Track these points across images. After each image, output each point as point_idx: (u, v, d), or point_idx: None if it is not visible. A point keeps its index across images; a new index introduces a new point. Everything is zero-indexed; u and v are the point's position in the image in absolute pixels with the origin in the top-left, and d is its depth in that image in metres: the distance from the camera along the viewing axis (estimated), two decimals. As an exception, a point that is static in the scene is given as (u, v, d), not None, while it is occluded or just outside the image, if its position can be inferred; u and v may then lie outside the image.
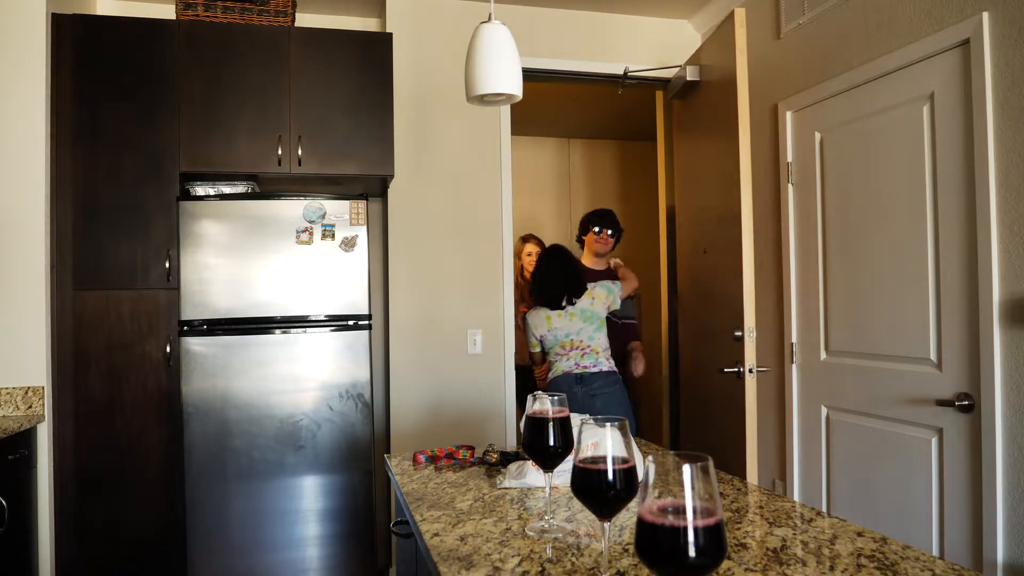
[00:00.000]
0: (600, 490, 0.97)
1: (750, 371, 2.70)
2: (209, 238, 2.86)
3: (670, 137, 3.92)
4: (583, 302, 3.13)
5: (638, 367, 3.44)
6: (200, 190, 3.00)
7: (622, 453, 0.97)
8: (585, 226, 3.57)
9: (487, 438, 3.36)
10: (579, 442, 0.99)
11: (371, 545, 2.98)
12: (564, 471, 1.45)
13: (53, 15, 2.80)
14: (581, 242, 3.60)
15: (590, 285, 3.17)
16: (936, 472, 2.33)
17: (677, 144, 3.70)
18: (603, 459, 0.97)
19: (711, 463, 0.74)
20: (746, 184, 2.76)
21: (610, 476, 0.96)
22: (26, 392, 2.70)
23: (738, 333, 2.76)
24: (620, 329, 3.52)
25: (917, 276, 2.41)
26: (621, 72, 3.63)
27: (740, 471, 2.71)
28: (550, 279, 3.16)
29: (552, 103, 4.95)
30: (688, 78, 3.26)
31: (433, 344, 3.39)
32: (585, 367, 3.08)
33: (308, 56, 3.03)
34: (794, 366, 3.04)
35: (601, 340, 3.14)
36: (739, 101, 2.75)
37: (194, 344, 2.82)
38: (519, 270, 4.27)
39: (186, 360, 2.82)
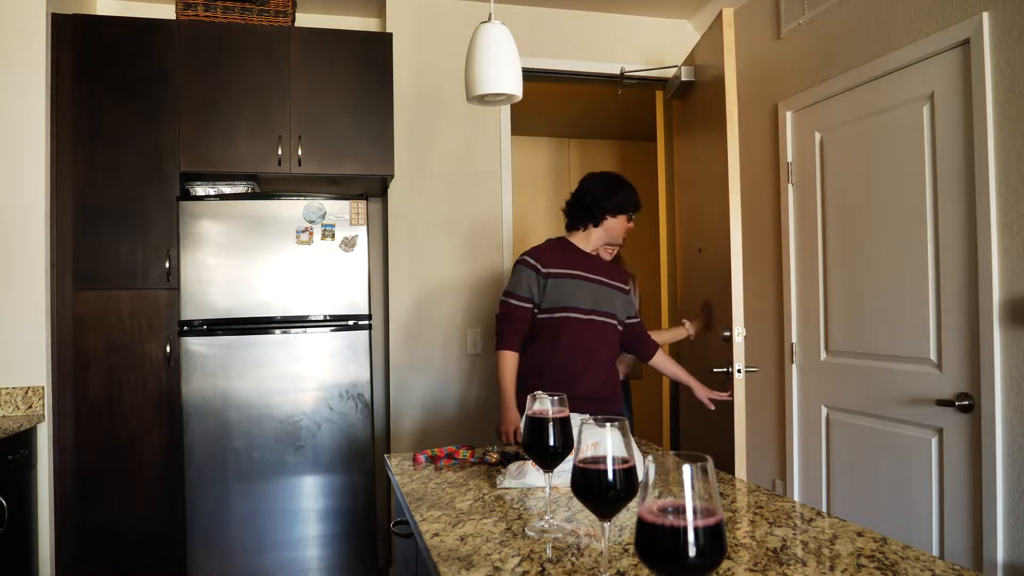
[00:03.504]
0: (600, 490, 0.97)
1: (739, 371, 2.71)
2: (209, 238, 2.86)
3: (670, 137, 3.93)
4: None
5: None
6: (200, 190, 3.00)
7: (622, 453, 0.97)
8: (602, 204, 2.48)
9: (487, 438, 3.36)
10: (579, 442, 0.99)
11: (371, 545, 2.98)
12: (564, 471, 1.45)
13: (53, 15, 2.80)
14: (583, 224, 2.51)
15: None
16: (936, 472, 2.33)
17: (677, 144, 3.70)
18: (603, 459, 0.97)
19: (711, 463, 0.74)
20: (734, 184, 2.76)
21: (610, 476, 0.96)
22: (26, 392, 2.70)
23: (727, 333, 2.77)
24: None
25: (917, 276, 2.41)
26: (620, 72, 3.63)
27: (731, 471, 2.71)
28: None
29: (552, 103, 4.94)
30: (683, 78, 3.27)
31: (433, 344, 3.39)
32: None
33: (308, 56, 3.03)
34: (794, 366, 3.04)
35: None
36: (727, 101, 2.76)
37: (194, 344, 2.82)
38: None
39: (186, 360, 2.82)
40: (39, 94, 2.74)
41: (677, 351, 3.72)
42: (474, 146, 3.49)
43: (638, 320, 2.63)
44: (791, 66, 3.03)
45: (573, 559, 1.12)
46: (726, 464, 2.74)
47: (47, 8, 2.76)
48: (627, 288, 2.55)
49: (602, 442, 0.97)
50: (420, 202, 3.41)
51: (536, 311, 2.40)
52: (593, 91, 4.37)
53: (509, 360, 2.36)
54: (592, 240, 2.52)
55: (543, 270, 2.40)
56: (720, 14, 2.81)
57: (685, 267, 3.54)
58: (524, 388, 2.35)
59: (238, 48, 2.97)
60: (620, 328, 2.52)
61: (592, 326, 2.41)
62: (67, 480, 2.78)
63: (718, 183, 2.95)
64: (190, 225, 2.85)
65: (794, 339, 3.03)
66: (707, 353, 2.99)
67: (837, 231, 2.79)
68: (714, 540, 0.73)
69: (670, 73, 3.59)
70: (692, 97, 3.32)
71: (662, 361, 2.64)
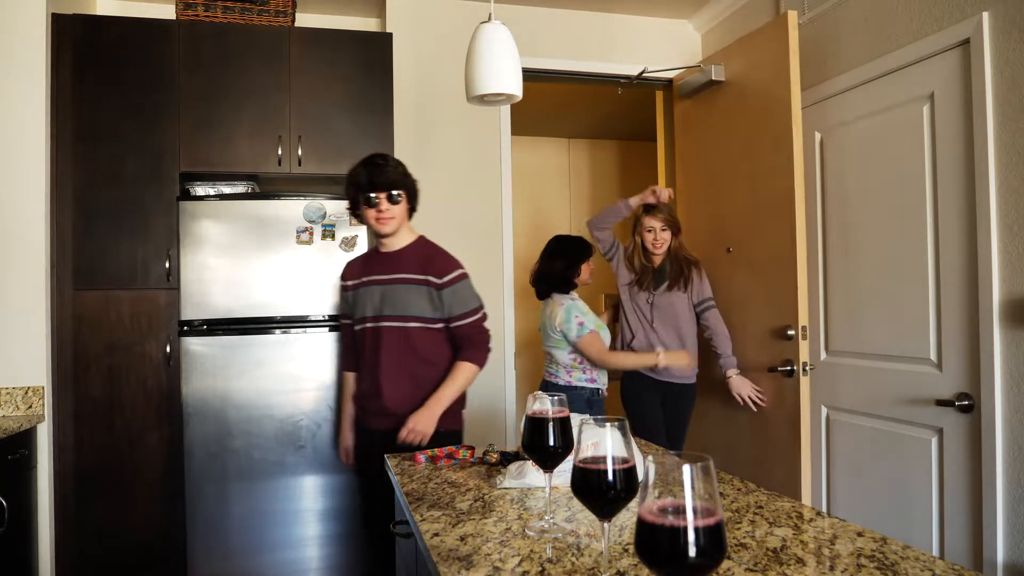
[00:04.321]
0: (600, 490, 0.97)
1: (804, 370, 2.70)
2: (209, 238, 2.85)
3: (671, 137, 3.92)
4: (546, 312, 2.98)
5: None
6: (200, 190, 3.00)
7: (622, 453, 0.97)
8: (353, 196, 2.26)
9: (487, 438, 3.36)
10: (579, 442, 0.99)
11: (371, 545, 2.98)
12: (564, 471, 1.45)
13: (53, 15, 2.79)
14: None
15: (560, 299, 2.92)
16: (936, 472, 2.33)
17: (683, 144, 3.68)
18: (603, 459, 0.97)
19: (711, 463, 0.74)
20: (800, 187, 2.75)
21: (610, 476, 0.96)
22: (26, 392, 2.70)
23: (791, 332, 2.76)
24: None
25: (917, 276, 2.41)
26: (620, 72, 3.62)
27: (789, 473, 2.70)
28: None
29: (552, 103, 4.95)
30: (713, 77, 3.23)
31: (433, 344, 3.39)
32: (548, 374, 3.02)
33: (308, 56, 3.03)
34: (794, 366, 3.03)
35: (561, 357, 2.92)
36: (792, 104, 2.73)
37: (194, 344, 2.82)
38: (635, 248, 3.12)
39: (186, 360, 2.82)
40: (39, 94, 2.74)
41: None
42: (474, 146, 3.49)
43: (467, 321, 2.26)
44: (791, 66, 3.03)
45: (573, 559, 1.12)
46: (762, 471, 2.73)
47: (47, 8, 2.75)
48: (441, 281, 2.21)
49: (602, 442, 0.97)
50: (420, 202, 3.40)
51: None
52: (594, 91, 4.37)
53: (343, 380, 2.41)
54: (378, 237, 2.31)
55: (344, 283, 2.37)
56: (784, 15, 2.79)
57: (708, 266, 3.48)
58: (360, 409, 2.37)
59: (238, 48, 2.97)
60: (435, 328, 2.24)
61: (378, 334, 2.23)
62: (67, 480, 2.78)
63: (752, 183, 2.94)
64: (190, 225, 2.84)
65: (794, 339, 3.03)
66: (752, 352, 2.98)
67: (837, 231, 2.79)
68: (714, 540, 0.73)
69: (689, 72, 3.55)
70: (714, 97, 3.29)
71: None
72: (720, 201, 3.32)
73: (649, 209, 3.07)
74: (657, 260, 3.11)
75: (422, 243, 2.32)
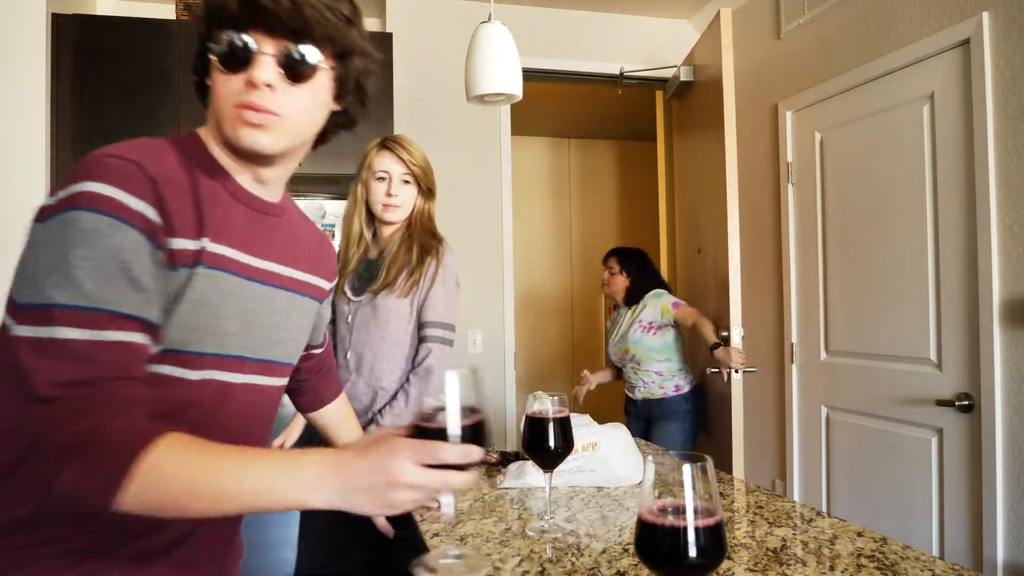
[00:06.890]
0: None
1: (735, 371, 2.71)
2: (209, 238, 2.85)
3: (670, 137, 3.93)
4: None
5: None
6: (200, 190, 3.00)
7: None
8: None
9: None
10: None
11: (371, 545, 2.98)
12: (564, 471, 1.45)
13: (53, 15, 2.79)
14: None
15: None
16: (936, 472, 2.33)
17: (677, 144, 3.70)
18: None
19: (711, 463, 0.74)
20: (732, 184, 2.78)
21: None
22: (26, 392, 2.70)
23: (724, 333, 2.78)
24: None
25: (917, 276, 2.41)
26: (619, 73, 3.63)
27: (729, 471, 2.72)
28: None
29: (551, 103, 4.95)
30: (682, 78, 3.27)
31: (433, 344, 3.39)
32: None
33: (308, 56, 3.03)
34: (794, 366, 3.03)
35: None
36: (725, 101, 2.77)
37: (194, 344, 2.82)
38: (356, 208, 2.02)
39: (186, 360, 2.81)
40: (39, 94, 2.73)
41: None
42: (474, 146, 3.49)
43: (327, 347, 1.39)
44: (791, 66, 3.03)
45: (573, 559, 1.12)
46: (721, 464, 2.74)
47: (47, 8, 2.75)
48: (328, 287, 1.18)
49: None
50: (420, 202, 3.41)
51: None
52: (593, 91, 4.37)
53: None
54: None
55: (177, 244, 0.86)
56: (718, 14, 2.81)
57: (685, 268, 3.54)
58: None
59: (238, 48, 2.97)
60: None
61: (250, 397, 1.04)
62: (67, 480, 2.78)
63: (717, 183, 2.95)
64: (190, 225, 2.84)
65: (794, 339, 3.03)
66: (705, 354, 2.99)
67: (837, 231, 2.79)
68: (714, 540, 0.73)
69: (669, 73, 3.59)
70: (692, 97, 3.32)
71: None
72: (694, 202, 3.35)
73: (388, 144, 1.92)
74: (387, 234, 1.95)
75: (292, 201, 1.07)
